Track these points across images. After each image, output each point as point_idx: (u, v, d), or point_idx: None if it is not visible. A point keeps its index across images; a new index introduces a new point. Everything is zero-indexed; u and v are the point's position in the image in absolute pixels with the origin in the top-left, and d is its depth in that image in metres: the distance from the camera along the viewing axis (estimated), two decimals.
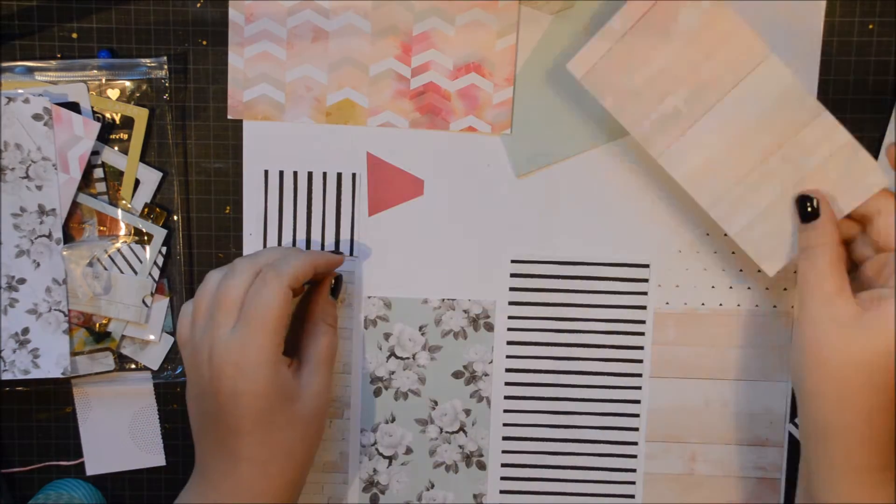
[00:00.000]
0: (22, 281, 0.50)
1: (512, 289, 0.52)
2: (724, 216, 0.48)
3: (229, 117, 0.51)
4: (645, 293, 0.52)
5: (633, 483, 0.54)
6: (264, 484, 0.45)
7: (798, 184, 0.47)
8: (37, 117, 0.49)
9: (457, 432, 0.54)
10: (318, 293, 0.49)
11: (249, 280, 0.45)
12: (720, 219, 0.48)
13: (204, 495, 0.45)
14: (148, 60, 0.50)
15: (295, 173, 0.52)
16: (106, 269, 0.51)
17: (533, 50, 0.50)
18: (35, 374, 0.50)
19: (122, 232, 0.51)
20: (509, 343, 0.53)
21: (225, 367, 0.43)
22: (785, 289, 0.52)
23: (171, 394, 0.53)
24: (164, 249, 0.51)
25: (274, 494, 0.45)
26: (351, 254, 0.52)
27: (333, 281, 0.50)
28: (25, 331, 0.50)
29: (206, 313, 0.45)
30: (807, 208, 0.45)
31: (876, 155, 0.51)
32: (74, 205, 0.50)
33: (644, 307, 0.53)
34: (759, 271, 0.52)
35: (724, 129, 0.47)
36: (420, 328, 0.53)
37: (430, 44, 0.50)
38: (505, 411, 0.53)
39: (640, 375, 0.53)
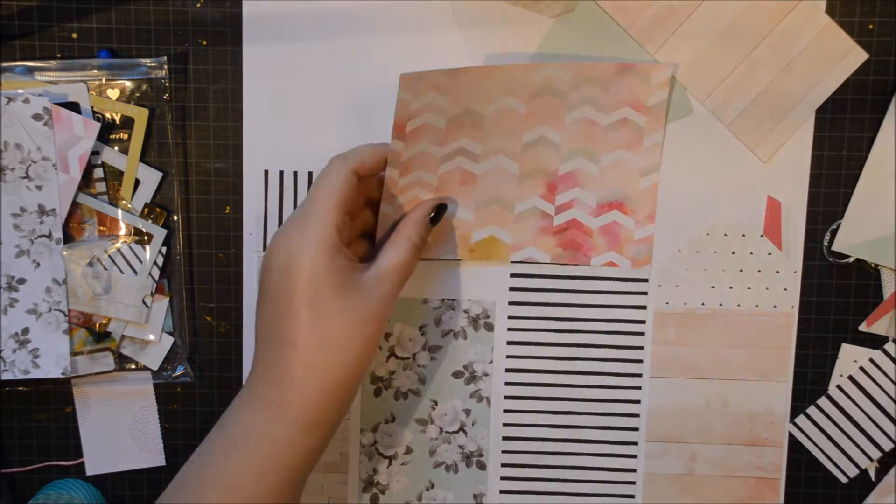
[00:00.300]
0: (22, 281, 0.50)
1: (512, 289, 0.52)
2: (718, 108, 0.49)
3: None
4: (645, 293, 0.52)
5: (633, 483, 0.54)
6: (310, 376, 0.42)
7: (785, 70, 0.49)
8: (37, 117, 0.49)
9: (457, 432, 0.54)
10: (415, 211, 0.48)
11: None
12: (714, 110, 0.49)
13: (251, 388, 0.43)
14: (148, 60, 0.50)
15: (295, 173, 0.52)
16: (106, 269, 0.51)
17: (534, 53, 0.50)
18: (35, 374, 0.50)
19: (122, 232, 0.51)
20: (509, 343, 0.53)
21: (280, 244, 0.42)
22: (785, 289, 0.52)
23: (171, 394, 0.53)
24: (164, 249, 0.51)
25: (321, 391, 0.42)
26: None
27: (436, 206, 0.48)
28: (25, 331, 0.50)
29: None
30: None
31: (866, 154, 0.51)
32: (74, 205, 0.50)
33: (644, 307, 0.53)
34: (759, 271, 0.52)
35: (714, 22, 0.48)
36: (420, 328, 0.53)
37: (574, 182, 0.50)
38: (505, 411, 0.53)
39: (640, 375, 0.53)
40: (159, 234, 0.51)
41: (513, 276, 0.52)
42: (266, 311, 0.43)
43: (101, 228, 0.51)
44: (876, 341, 0.53)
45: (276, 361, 0.42)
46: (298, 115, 0.51)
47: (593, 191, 0.51)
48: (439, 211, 0.49)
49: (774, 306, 0.52)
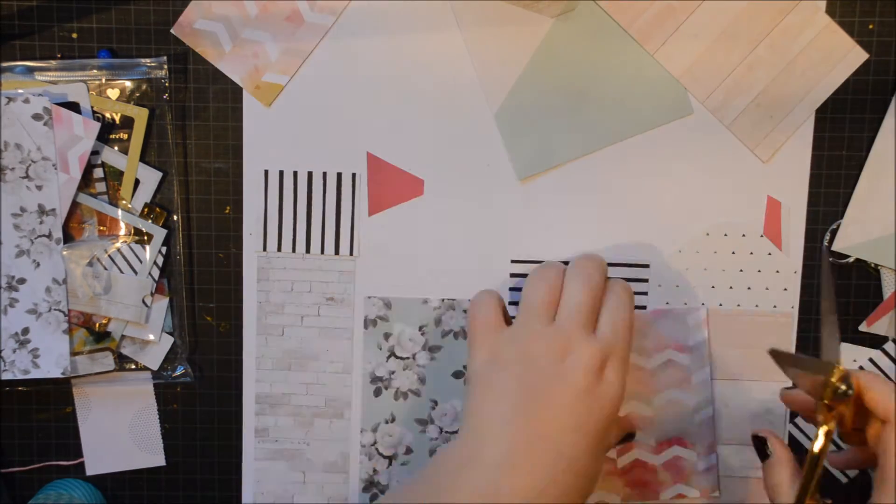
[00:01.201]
0: (22, 281, 0.50)
1: (512, 289, 0.52)
2: (718, 108, 0.49)
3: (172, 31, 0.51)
4: (645, 293, 0.52)
5: None
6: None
7: (785, 70, 0.49)
8: (37, 117, 0.49)
9: (457, 432, 0.54)
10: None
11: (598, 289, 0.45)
12: (714, 110, 0.49)
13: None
14: (148, 60, 0.50)
15: (295, 173, 0.52)
16: (106, 269, 0.51)
17: (534, 53, 0.50)
18: (35, 374, 0.50)
19: (122, 232, 0.51)
20: None
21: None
22: (785, 289, 0.52)
23: (171, 394, 0.53)
24: (164, 249, 0.51)
25: None
26: (351, 254, 0.52)
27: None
28: (25, 331, 0.50)
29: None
30: (764, 450, 0.45)
31: (866, 154, 0.51)
32: (74, 205, 0.50)
33: (644, 307, 0.53)
34: (759, 271, 0.52)
35: (714, 22, 0.49)
36: (420, 328, 0.53)
37: (630, 426, 0.52)
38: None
39: None
40: (159, 234, 0.51)
41: (513, 275, 0.52)
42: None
43: (101, 228, 0.51)
44: (876, 341, 0.53)
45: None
46: (298, 115, 0.51)
47: (651, 431, 0.52)
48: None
49: (774, 306, 0.52)
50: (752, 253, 0.52)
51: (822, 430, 0.40)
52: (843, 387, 0.39)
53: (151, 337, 0.52)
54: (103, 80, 0.50)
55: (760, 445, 0.45)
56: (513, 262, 0.52)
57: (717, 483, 0.53)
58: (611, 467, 0.52)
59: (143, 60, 0.50)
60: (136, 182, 0.51)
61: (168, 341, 0.52)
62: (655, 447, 0.52)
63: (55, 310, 0.50)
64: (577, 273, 0.45)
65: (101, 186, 0.51)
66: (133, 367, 0.52)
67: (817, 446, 0.39)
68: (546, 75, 0.51)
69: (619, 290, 0.46)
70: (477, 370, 0.45)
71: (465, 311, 0.53)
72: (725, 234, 0.52)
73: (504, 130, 0.51)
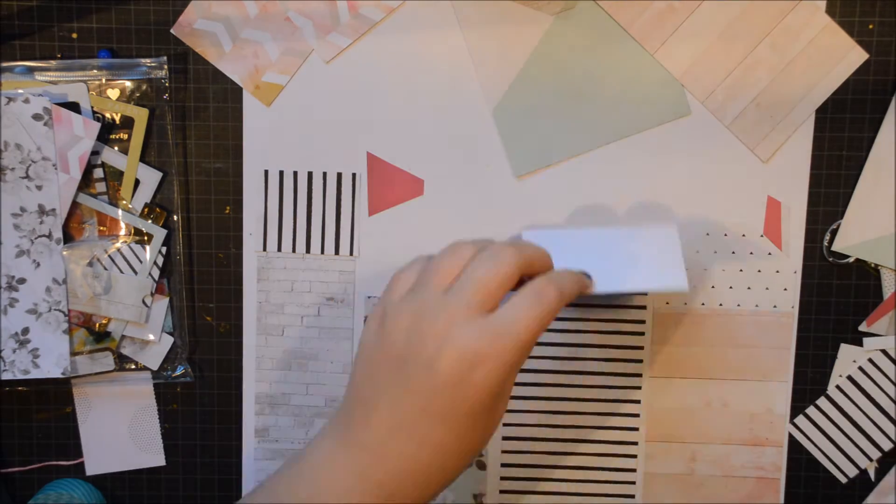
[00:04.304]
0: (22, 281, 0.50)
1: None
2: (718, 108, 0.49)
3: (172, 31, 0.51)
4: (645, 293, 0.52)
5: (633, 483, 0.54)
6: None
7: (785, 70, 0.49)
8: (37, 117, 0.49)
9: None
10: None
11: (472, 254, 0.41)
12: (714, 110, 0.49)
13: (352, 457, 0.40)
14: (148, 60, 0.50)
15: (295, 173, 0.52)
16: (106, 269, 0.51)
17: (534, 50, 0.50)
18: (35, 374, 0.50)
19: (122, 232, 0.51)
20: None
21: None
22: (785, 289, 0.52)
23: (171, 394, 0.53)
24: (164, 249, 0.51)
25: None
26: (351, 254, 0.52)
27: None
28: (25, 331, 0.50)
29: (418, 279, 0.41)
30: None
31: (866, 154, 0.51)
32: (74, 205, 0.50)
33: (644, 307, 0.53)
34: (759, 271, 0.52)
35: (714, 22, 0.49)
36: None
37: None
38: (505, 411, 0.53)
39: (640, 375, 0.53)
40: (159, 234, 0.51)
41: None
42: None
43: (101, 228, 0.51)
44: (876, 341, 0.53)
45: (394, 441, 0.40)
46: (298, 115, 0.51)
47: None
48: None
49: (774, 306, 0.52)
50: (752, 253, 0.52)
51: None
52: None
53: (151, 337, 0.52)
54: (103, 80, 0.50)
55: None
56: None
57: None
58: None
59: (143, 60, 0.50)
60: (136, 182, 0.51)
61: (168, 341, 0.52)
62: None
63: (55, 310, 0.50)
64: (489, 251, 0.40)
65: (101, 186, 0.51)
66: (133, 367, 0.52)
67: None
68: (545, 73, 0.51)
69: (543, 283, 0.40)
70: (365, 338, 0.42)
71: None
72: (725, 234, 0.52)
73: (502, 127, 0.51)
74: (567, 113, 0.51)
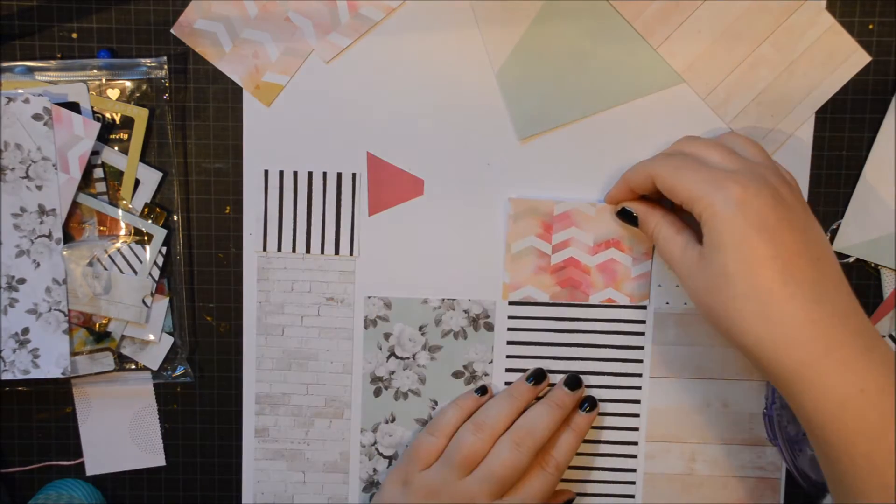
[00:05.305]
0: (22, 281, 0.50)
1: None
2: (719, 105, 0.49)
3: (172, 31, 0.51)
4: (646, 294, 0.52)
5: (633, 483, 0.54)
6: None
7: (787, 69, 0.49)
8: (37, 117, 0.49)
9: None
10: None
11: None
12: (715, 108, 0.49)
13: None
14: (148, 60, 0.50)
15: (295, 173, 0.52)
16: (106, 269, 0.51)
17: (537, 13, 0.50)
18: (35, 374, 0.50)
19: (122, 232, 0.51)
20: (509, 343, 0.53)
21: None
22: None
23: (171, 394, 0.53)
24: (164, 249, 0.51)
25: None
26: (351, 254, 0.52)
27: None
28: (25, 331, 0.50)
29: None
30: (632, 219, 0.49)
31: (866, 154, 0.51)
32: (74, 205, 0.50)
33: (644, 307, 0.53)
34: None
35: (718, 19, 0.49)
36: (420, 328, 0.53)
37: (570, 223, 0.51)
38: None
39: (640, 375, 0.53)
40: (159, 234, 0.51)
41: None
42: None
43: (101, 228, 0.51)
44: None
45: None
46: (298, 115, 0.51)
47: (589, 231, 0.51)
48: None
49: None
50: None
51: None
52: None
53: (151, 337, 0.52)
54: (103, 80, 0.50)
55: (626, 216, 0.49)
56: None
57: (647, 292, 0.52)
58: (544, 263, 0.52)
59: (143, 60, 0.50)
60: (137, 182, 0.51)
61: (168, 341, 0.52)
62: (592, 247, 0.52)
63: (55, 310, 0.50)
64: (509, 438, 0.48)
65: (101, 186, 0.51)
66: (133, 367, 0.52)
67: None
68: (548, 36, 0.50)
69: (551, 473, 0.49)
70: (385, 491, 0.50)
71: (465, 312, 0.53)
72: None
73: (506, 90, 0.51)
74: (570, 75, 0.50)
